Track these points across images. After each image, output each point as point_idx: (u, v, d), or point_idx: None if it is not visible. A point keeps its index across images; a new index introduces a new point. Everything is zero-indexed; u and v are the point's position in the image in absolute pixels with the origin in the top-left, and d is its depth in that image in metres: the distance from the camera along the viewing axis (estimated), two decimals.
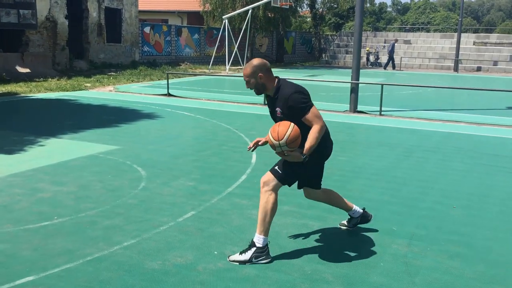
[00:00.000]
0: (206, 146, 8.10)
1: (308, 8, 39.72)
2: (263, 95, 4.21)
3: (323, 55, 38.83)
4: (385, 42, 37.86)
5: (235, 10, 28.11)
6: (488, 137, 9.55)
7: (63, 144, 7.99)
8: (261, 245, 3.88)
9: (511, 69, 31.79)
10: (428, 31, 48.53)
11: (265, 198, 3.86)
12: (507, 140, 9.27)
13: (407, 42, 37.24)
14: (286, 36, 37.19)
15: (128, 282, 3.54)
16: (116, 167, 6.63)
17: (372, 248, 4.20)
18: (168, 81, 15.37)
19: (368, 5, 47.28)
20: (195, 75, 22.42)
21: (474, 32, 48.03)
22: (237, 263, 3.85)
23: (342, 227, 4.65)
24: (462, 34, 34.94)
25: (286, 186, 4.03)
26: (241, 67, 27.15)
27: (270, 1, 25.46)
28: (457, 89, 18.51)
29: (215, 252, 4.05)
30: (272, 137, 3.71)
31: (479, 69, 32.62)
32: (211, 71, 25.34)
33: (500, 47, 34.34)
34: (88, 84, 17.29)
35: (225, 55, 26.36)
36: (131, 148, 7.76)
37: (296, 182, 4.15)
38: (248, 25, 26.13)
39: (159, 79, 20.14)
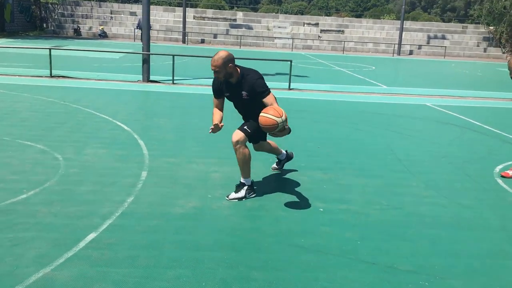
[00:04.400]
0: (61, 119, 8.07)
1: None
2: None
3: (48, 25, 36.85)
4: (111, 13, 38.16)
5: None
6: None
7: None
8: (250, 184, 4.95)
9: (229, 41, 36.32)
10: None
11: (241, 152, 4.84)
12: (298, 100, 11.77)
13: (133, 14, 38.35)
14: (4, 3, 33.85)
15: (178, 224, 4.20)
16: (3, 144, 6.35)
17: (310, 182, 5.68)
18: None
19: None
20: None
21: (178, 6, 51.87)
22: (236, 200, 4.85)
23: (274, 170, 5.94)
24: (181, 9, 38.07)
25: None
26: None
27: None
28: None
29: (209, 196, 4.93)
30: (275, 117, 4.37)
31: (202, 41, 36.19)
32: None
33: (216, 21, 38.63)
34: None
35: None
36: None
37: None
38: None
39: None
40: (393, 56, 34.40)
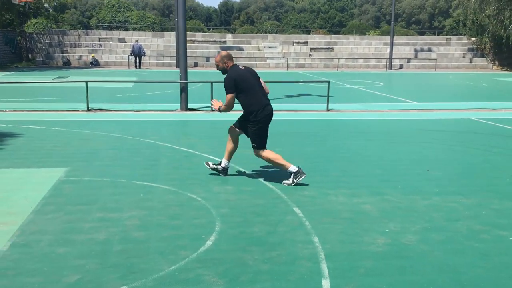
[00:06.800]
0: (151, 156, 7.82)
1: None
2: None
3: (37, 55, 36.14)
4: (99, 41, 37.71)
5: None
6: (304, 120, 11.82)
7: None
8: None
9: None
10: (126, 29, 49.89)
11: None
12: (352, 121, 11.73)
13: (122, 40, 38.00)
14: None
15: (393, 264, 4.05)
16: (126, 187, 6.08)
17: (466, 209, 5.60)
18: None
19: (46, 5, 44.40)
20: None
21: (162, 30, 51.67)
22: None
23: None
24: (171, 33, 38.13)
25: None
26: None
27: None
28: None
29: (386, 230, 4.79)
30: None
31: (196, 65, 36.05)
32: None
33: (206, 44, 38.61)
34: None
35: None
36: (87, 167, 6.96)
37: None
38: None
39: None
40: (386, 70, 34.91)
